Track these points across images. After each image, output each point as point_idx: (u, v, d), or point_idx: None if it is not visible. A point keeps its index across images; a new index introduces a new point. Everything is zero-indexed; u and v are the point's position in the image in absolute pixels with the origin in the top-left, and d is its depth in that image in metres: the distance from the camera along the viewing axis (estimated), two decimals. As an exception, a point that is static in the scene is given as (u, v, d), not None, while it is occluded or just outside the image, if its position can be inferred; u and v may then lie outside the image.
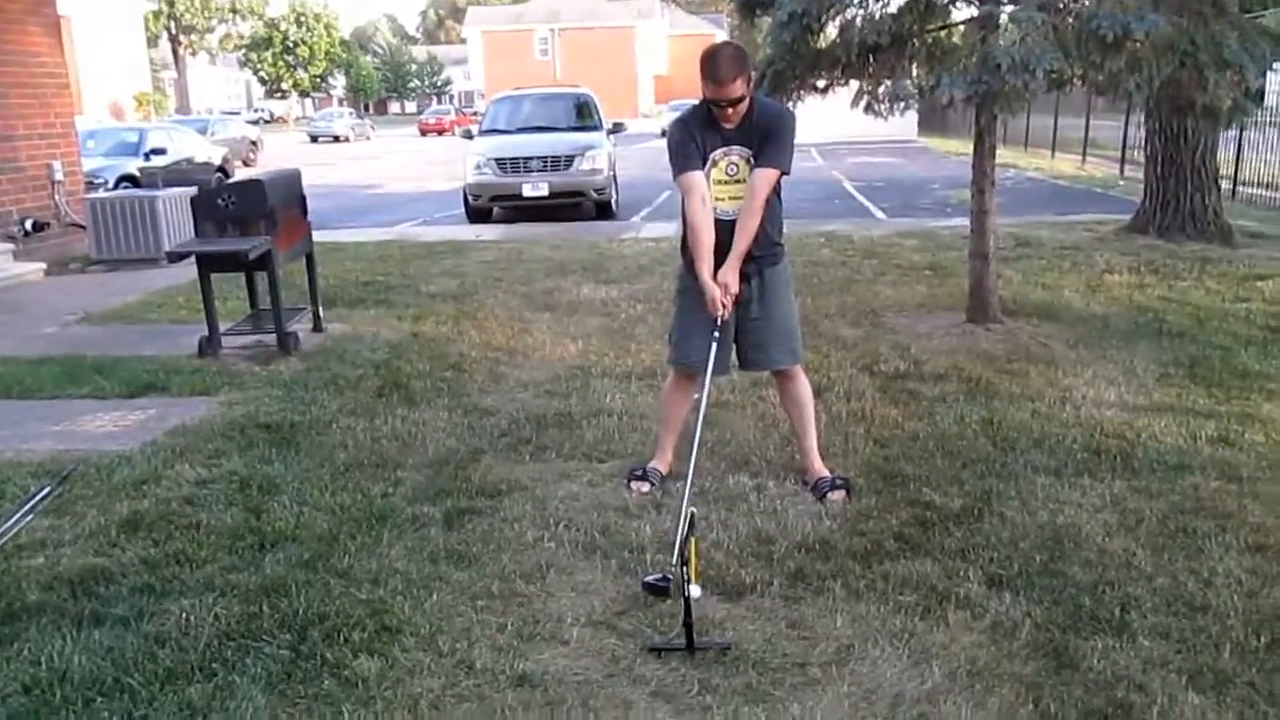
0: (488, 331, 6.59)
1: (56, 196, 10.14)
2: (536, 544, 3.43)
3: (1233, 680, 2.54)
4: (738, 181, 3.62)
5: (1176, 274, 8.00)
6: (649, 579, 2.99)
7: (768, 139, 3.56)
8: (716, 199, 3.62)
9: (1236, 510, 3.57)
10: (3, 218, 9.43)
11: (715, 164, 3.61)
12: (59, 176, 10.15)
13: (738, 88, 3.45)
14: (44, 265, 9.39)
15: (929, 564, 3.21)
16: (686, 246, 3.71)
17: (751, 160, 3.59)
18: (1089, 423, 4.54)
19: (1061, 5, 5.51)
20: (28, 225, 9.63)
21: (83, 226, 10.09)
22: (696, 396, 4.17)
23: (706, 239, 3.56)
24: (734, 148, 3.60)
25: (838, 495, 3.76)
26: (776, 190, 3.68)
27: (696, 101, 3.67)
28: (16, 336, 6.81)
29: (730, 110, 3.51)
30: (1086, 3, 5.43)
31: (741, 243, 3.59)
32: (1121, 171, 17.33)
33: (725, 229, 3.60)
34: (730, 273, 3.58)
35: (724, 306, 3.58)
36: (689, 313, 3.78)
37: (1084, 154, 20.08)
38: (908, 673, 2.62)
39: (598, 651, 2.75)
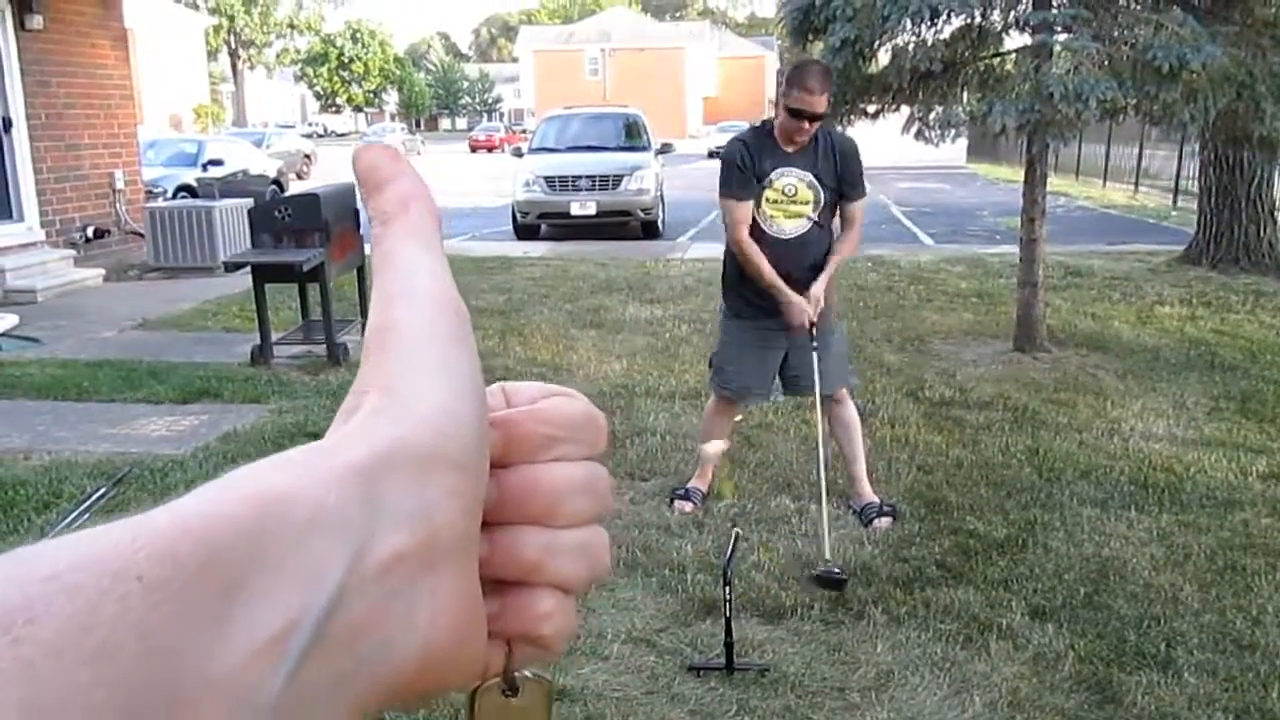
0: (533, 347, 6.65)
1: (117, 205, 10.38)
2: (578, 560, 3.46)
3: (1281, 721, 2.51)
4: (793, 201, 3.64)
5: (1229, 307, 7.89)
6: (821, 571, 3.04)
7: (849, 167, 3.65)
8: (770, 215, 3.65)
9: (1288, 549, 3.52)
10: (66, 224, 9.68)
11: (771, 184, 3.63)
12: (120, 185, 10.39)
13: (823, 103, 3.49)
14: (103, 271, 9.61)
15: (971, 592, 3.20)
16: (729, 281, 3.79)
17: (811, 184, 3.62)
18: (1137, 455, 4.49)
19: (1116, 34, 5.49)
20: (89, 232, 9.87)
21: (141, 234, 10.32)
22: (739, 419, 4.19)
23: (767, 266, 3.61)
24: (793, 169, 3.62)
25: (884, 522, 3.75)
26: (829, 226, 3.73)
27: (750, 123, 3.72)
28: (76, 340, 6.99)
29: (807, 124, 3.52)
30: (1142, 32, 5.41)
31: (833, 266, 3.69)
32: (1174, 202, 17.08)
33: (779, 245, 3.64)
34: (820, 289, 3.63)
35: (808, 322, 3.62)
36: (742, 346, 3.82)
37: (1136, 183, 19.82)
38: (948, 701, 2.61)
39: (637, 668, 2.77)
